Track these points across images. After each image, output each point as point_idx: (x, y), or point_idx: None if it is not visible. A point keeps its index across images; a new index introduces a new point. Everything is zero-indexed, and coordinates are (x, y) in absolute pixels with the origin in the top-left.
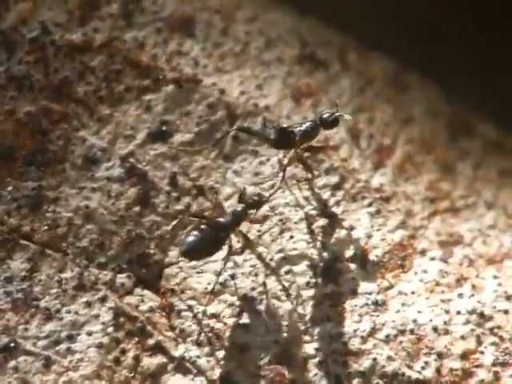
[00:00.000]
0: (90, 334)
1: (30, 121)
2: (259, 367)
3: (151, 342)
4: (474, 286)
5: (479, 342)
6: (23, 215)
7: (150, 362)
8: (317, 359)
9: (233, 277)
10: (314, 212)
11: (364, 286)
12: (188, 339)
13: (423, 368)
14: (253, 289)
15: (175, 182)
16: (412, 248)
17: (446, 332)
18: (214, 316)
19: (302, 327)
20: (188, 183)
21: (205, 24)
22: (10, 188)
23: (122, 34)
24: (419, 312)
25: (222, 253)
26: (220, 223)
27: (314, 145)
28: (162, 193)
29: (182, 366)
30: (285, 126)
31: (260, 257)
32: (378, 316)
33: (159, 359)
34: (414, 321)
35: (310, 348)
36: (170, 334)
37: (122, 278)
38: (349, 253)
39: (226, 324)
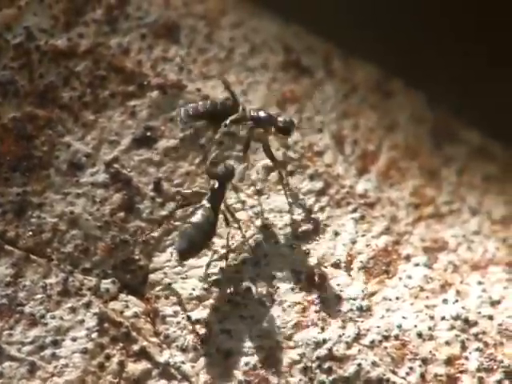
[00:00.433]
0: (74, 339)
1: (14, 126)
2: (244, 373)
3: (136, 347)
4: (458, 292)
5: (464, 348)
6: (8, 221)
7: (135, 367)
8: (301, 365)
9: (217, 282)
10: (298, 217)
11: (348, 292)
12: (173, 345)
13: (408, 374)
14: (237, 294)
15: (160, 188)
16: (396, 254)
17: (431, 338)
18: (199, 322)
19: (287, 333)
20: (172, 189)
21: (189, 30)
22: None
23: (106, 39)
24: (404, 317)
25: (207, 258)
26: (205, 208)
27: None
28: (147, 198)
29: (166, 371)
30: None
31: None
32: (362, 322)
33: (144, 365)
34: (399, 326)
35: (294, 354)
36: (154, 339)
37: (106, 284)
38: (333, 258)
39: (210, 329)
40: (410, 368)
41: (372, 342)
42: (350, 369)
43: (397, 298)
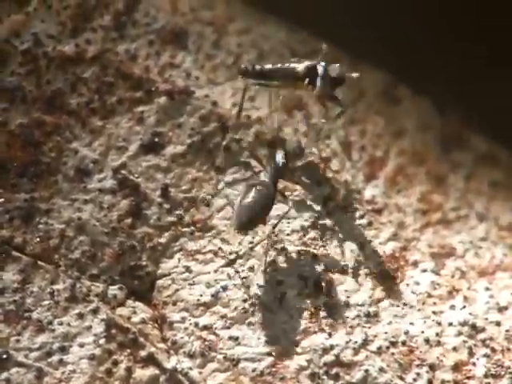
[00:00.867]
0: (82, 345)
1: (22, 132)
2: (251, 379)
3: (143, 353)
4: (465, 298)
5: (471, 354)
6: (15, 227)
7: (143, 373)
8: (309, 371)
9: (225, 288)
10: (306, 224)
11: (356, 298)
12: (180, 351)
13: (415, 380)
14: (245, 300)
15: (167, 194)
16: (404, 260)
17: (438, 344)
18: (206, 328)
19: (294, 339)
20: (180, 195)
21: (197, 36)
22: (2, 199)
23: (114, 45)
24: (411, 324)
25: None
26: (264, 183)
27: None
28: (154, 204)
29: (174, 377)
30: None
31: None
32: (369, 328)
33: (151, 371)
34: (406, 332)
35: (301, 360)
36: (162, 345)
37: (114, 290)
38: (340, 264)
39: (218, 336)
40: (418, 374)
41: (379, 348)
42: (357, 375)
43: (404, 304)
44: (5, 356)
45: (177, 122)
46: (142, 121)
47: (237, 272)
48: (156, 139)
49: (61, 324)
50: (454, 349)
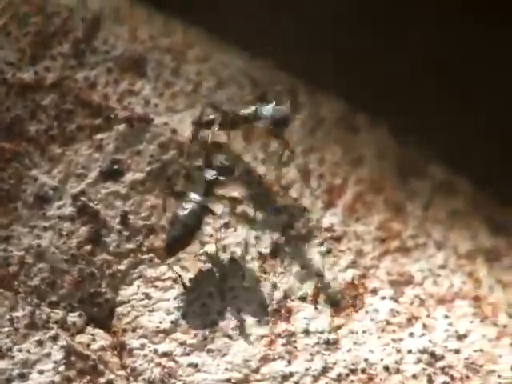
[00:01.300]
0: (41, 372)
1: None
2: None
3: (103, 380)
4: (425, 326)
5: (430, 382)
6: None
7: None
8: None
9: (184, 315)
10: (265, 251)
11: (315, 325)
12: (139, 378)
13: None
14: (204, 327)
15: (126, 221)
16: (363, 287)
17: (398, 371)
18: (166, 354)
19: (254, 366)
20: (139, 222)
21: (156, 63)
22: None
23: (73, 73)
24: (371, 351)
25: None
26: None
27: None
28: (114, 231)
29: None
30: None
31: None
32: (329, 355)
33: None
34: (366, 360)
35: None
36: (121, 372)
37: (73, 317)
38: (300, 292)
39: (177, 362)
40: None
41: (339, 375)
42: None
43: (363, 332)
44: None
45: (136, 150)
46: (101, 148)
47: (196, 299)
48: (115, 166)
49: (20, 351)
50: (414, 376)
